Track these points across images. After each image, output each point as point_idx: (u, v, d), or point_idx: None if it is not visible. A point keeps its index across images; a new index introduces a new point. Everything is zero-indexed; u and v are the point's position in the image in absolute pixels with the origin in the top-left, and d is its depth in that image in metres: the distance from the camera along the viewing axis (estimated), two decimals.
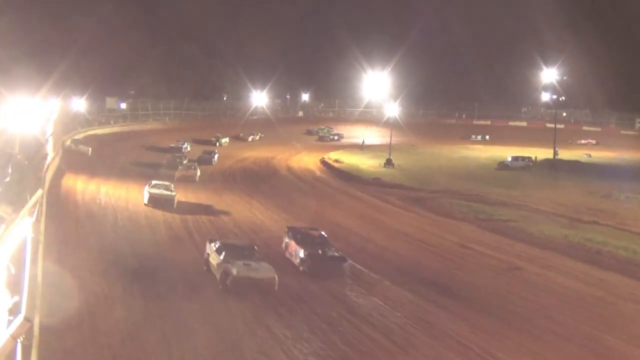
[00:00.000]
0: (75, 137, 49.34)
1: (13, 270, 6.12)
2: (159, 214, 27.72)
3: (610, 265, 23.63)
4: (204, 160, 47.99)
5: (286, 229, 23.48)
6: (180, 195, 30.87)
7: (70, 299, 13.76)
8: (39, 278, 9.02)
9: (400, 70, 75.22)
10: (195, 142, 59.42)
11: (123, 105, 74.17)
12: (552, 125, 68.28)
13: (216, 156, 51.07)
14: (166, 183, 30.92)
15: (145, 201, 29.04)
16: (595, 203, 38.09)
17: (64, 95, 54.89)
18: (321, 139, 74.34)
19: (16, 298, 6.18)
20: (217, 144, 61.52)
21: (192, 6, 76.01)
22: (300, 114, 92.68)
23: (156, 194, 29.12)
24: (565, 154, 61.78)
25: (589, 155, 65.22)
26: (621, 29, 75.67)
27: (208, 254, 19.82)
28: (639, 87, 75.44)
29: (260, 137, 70.27)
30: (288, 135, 70.97)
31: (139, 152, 51.57)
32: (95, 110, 66.36)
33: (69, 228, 22.70)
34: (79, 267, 17.40)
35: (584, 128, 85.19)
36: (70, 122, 53.08)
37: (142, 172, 39.74)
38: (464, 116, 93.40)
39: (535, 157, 58.38)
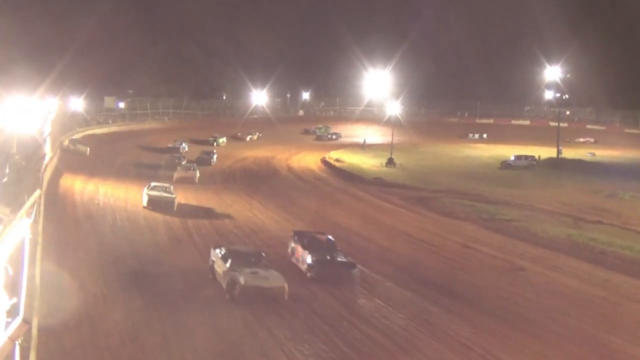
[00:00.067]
0: (74, 137, 49.11)
1: (11, 272, 6.06)
2: (158, 214, 27.53)
3: (615, 265, 23.48)
4: (203, 160, 47.69)
5: (292, 234, 22.71)
6: (180, 196, 30.56)
7: (68, 300, 13.71)
8: (37, 279, 8.92)
9: (402, 69, 75.00)
10: (192, 142, 58.91)
11: (121, 105, 73.76)
12: (556, 124, 67.88)
13: (215, 156, 50.77)
14: (165, 185, 30.42)
15: (145, 204, 28.44)
16: (599, 202, 37.81)
17: (61, 95, 54.79)
18: (319, 138, 73.83)
19: (14, 300, 6.14)
20: (215, 143, 60.95)
21: (191, 5, 76.01)
22: (301, 113, 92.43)
23: (156, 196, 28.45)
24: (568, 153, 61.39)
25: (593, 154, 64.81)
26: (625, 26, 75.47)
27: (213, 261, 18.89)
28: None
29: (258, 137, 69.71)
30: (288, 134, 70.80)
31: (138, 152, 51.42)
32: (93, 110, 66.07)
33: (68, 229, 22.56)
34: (77, 268, 17.30)
35: (588, 126, 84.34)
36: (68, 122, 52.94)
37: (140, 172, 39.65)
38: (466, 115, 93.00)
39: (539, 156, 58.05)
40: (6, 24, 47.60)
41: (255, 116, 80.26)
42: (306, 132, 76.69)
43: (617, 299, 20.13)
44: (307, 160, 55.42)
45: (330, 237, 22.20)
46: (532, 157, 57.39)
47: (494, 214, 32.62)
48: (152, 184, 30.16)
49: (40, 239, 9.73)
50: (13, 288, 6.16)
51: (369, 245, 25.53)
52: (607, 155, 64.53)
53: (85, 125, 57.70)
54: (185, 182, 36.73)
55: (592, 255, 24.69)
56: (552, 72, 70.46)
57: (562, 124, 67.42)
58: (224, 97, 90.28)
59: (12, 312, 6.07)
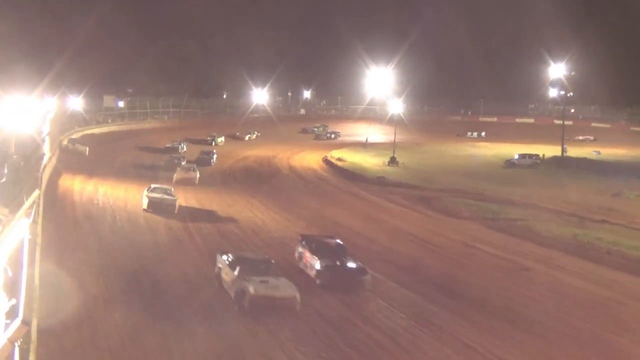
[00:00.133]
0: (73, 137, 49.03)
1: (10, 273, 6.04)
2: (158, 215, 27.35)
3: (620, 265, 23.36)
4: (203, 161, 47.27)
5: (299, 238, 21.99)
6: (180, 196, 30.21)
7: (68, 301, 13.70)
8: (37, 280, 8.86)
9: (404, 66, 74.40)
10: (190, 141, 58.35)
11: (121, 104, 73.41)
12: (560, 122, 67.40)
13: (215, 156, 50.43)
14: (166, 187, 30.10)
15: (145, 206, 27.93)
16: (605, 201, 37.35)
17: (60, 94, 54.61)
18: (318, 137, 73.27)
19: (13, 301, 6.11)
20: (213, 143, 60.43)
21: (191, 3, 75.87)
22: (302, 111, 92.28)
23: (156, 198, 27.99)
24: (573, 151, 60.87)
25: (598, 153, 64.32)
26: (630, 23, 75.13)
27: (220, 268, 18.06)
28: None
29: (256, 136, 69.23)
30: (289, 133, 70.61)
31: (137, 152, 51.20)
32: (92, 109, 65.83)
33: (67, 229, 22.47)
34: (77, 268, 17.24)
35: (593, 124, 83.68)
36: (67, 121, 52.85)
37: (140, 172, 39.53)
38: (469, 113, 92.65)
39: (543, 155, 57.72)
40: (6, 23, 47.47)
41: (256, 115, 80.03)
42: (304, 131, 76.02)
43: (623, 299, 19.99)
44: (309, 159, 55.26)
45: (339, 241, 21.41)
46: (537, 155, 57.04)
47: (497, 213, 32.47)
48: (152, 185, 29.81)
49: (39, 240, 9.63)
50: (12, 289, 6.12)
51: (371, 245, 25.35)
52: (613, 153, 63.96)
53: (84, 124, 57.62)
54: (186, 183, 36.31)
55: (598, 255, 24.55)
56: (557, 70, 69.80)
57: (566, 122, 66.97)
58: (225, 96, 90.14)
59: (12, 314, 6.02)
